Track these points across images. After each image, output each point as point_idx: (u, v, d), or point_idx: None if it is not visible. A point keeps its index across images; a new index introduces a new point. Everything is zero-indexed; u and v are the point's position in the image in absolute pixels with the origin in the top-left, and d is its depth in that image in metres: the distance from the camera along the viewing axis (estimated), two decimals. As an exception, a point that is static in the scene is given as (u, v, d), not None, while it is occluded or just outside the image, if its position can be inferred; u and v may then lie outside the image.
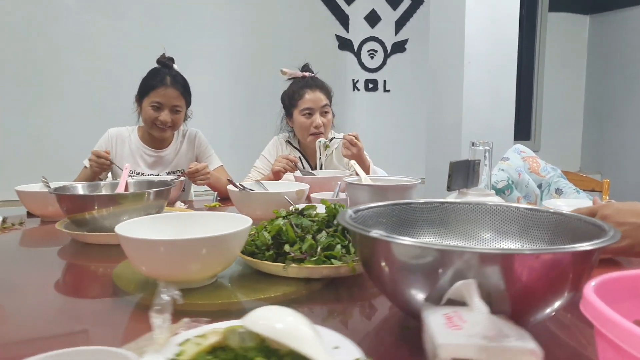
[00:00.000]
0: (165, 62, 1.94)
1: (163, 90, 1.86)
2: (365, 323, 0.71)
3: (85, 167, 1.86)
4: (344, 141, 1.77)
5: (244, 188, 1.30)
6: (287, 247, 0.85)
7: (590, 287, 0.45)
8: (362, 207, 0.76)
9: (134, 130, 2.02)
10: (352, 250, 0.84)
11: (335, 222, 0.91)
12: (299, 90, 1.94)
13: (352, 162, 1.69)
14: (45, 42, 3.17)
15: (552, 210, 0.74)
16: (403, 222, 0.79)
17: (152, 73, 1.92)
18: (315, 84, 1.94)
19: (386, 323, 0.69)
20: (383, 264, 0.60)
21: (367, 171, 1.80)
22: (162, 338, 0.49)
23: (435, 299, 0.54)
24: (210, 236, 0.74)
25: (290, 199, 1.24)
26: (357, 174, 1.52)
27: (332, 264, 0.82)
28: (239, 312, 0.55)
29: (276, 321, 0.48)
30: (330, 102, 1.99)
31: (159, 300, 0.50)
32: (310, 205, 1.00)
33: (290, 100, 1.97)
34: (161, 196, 1.22)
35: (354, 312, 0.75)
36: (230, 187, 1.31)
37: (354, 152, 1.74)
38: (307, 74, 1.97)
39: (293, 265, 0.81)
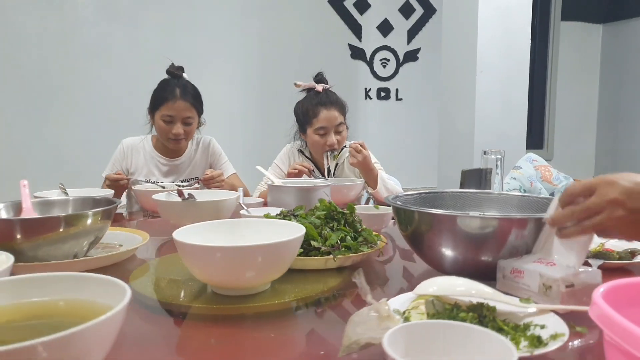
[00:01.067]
0: (174, 72, 1.93)
1: (173, 103, 1.85)
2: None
3: (106, 179, 1.89)
4: (350, 149, 1.76)
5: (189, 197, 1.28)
6: (314, 243, 0.92)
7: (599, 293, 0.46)
8: (398, 195, 1.03)
9: (147, 139, 2.02)
10: (358, 237, 1.00)
11: (342, 216, 1.03)
12: (313, 108, 1.88)
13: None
14: (63, 52, 3.24)
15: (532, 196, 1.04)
16: (432, 205, 1.04)
17: (162, 85, 1.92)
18: (329, 100, 1.89)
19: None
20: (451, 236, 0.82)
21: (375, 180, 1.78)
22: (385, 309, 0.58)
23: (507, 256, 0.80)
24: (267, 243, 0.73)
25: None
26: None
27: (360, 251, 0.96)
28: (300, 309, 0.75)
29: (454, 285, 0.69)
30: (345, 117, 1.95)
31: (362, 285, 0.62)
32: (298, 207, 1.09)
33: (304, 117, 1.93)
34: (98, 221, 0.94)
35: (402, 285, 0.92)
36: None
37: (360, 159, 1.72)
38: (320, 86, 1.93)
39: (340, 255, 0.91)
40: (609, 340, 0.43)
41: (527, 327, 0.60)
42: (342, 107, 1.92)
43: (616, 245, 1.05)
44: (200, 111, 1.97)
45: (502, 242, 0.79)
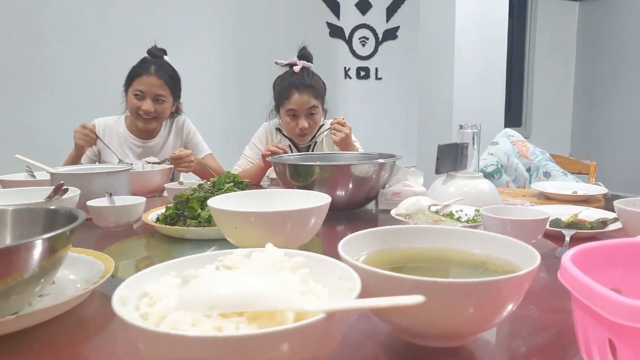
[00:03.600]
0: (155, 53, 1.90)
1: (146, 78, 1.83)
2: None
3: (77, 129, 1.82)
4: (331, 126, 1.74)
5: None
6: None
7: (567, 256, 0.46)
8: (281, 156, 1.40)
9: (120, 120, 1.98)
10: None
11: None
12: (286, 90, 1.83)
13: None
14: (31, 32, 3.12)
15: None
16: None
17: (139, 62, 1.89)
18: (303, 83, 1.82)
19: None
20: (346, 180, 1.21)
21: None
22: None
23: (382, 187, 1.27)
24: (297, 209, 0.78)
25: None
26: None
27: None
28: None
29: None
30: (322, 101, 1.90)
31: None
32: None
33: (278, 97, 1.90)
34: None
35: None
36: None
37: (342, 136, 1.71)
38: (300, 65, 1.85)
39: None
40: (578, 303, 0.43)
41: None
42: (317, 90, 1.85)
43: (589, 215, 1.07)
44: (175, 94, 1.92)
45: (378, 179, 1.25)
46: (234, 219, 0.77)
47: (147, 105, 1.84)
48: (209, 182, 1.13)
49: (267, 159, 1.47)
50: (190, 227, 0.94)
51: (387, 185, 1.32)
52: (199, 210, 0.97)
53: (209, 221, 0.96)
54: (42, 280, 0.58)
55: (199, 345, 0.34)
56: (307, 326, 0.36)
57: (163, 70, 1.86)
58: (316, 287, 0.46)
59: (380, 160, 1.24)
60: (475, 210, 1.06)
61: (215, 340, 0.34)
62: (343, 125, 1.72)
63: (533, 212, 0.89)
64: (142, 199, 1.08)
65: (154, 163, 1.79)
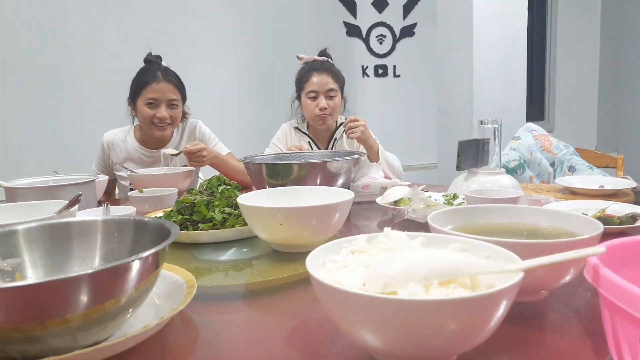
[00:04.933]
0: (152, 60, 1.87)
1: (156, 85, 1.79)
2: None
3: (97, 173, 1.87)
4: (345, 128, 1.75)
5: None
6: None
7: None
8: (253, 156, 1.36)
9: (130, 132, 1.94)
10: None
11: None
12: (306, 74, 1.93)
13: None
14: (53, 42, 3.19)
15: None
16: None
17: (141, 72, 1.86)
18: (323, 67, 1.92)
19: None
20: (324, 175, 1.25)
21: (376, 153, 1.77)
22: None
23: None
24: (322, 204, 0.83)
25: None
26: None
27: None
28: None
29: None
30: (341, 87, 1.97)
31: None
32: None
33: (298, 84, 1.98)
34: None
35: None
36: None
37: (359, 132, 1.72)
38: (321, 58, 1.96)
39: None
40: (606, 302, 0.42)
41: None
42: (336, 75, 1.94)
43: (617, 210, 1.04)
44: (184, 97, 1.90)
45: (349, 174, 1.28)
46: (280, 215, 0.81)
47: (162, 112, 1.81)
48: (194, 189, 1.13)
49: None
50: (210, 231, 0.94)
51: (356, 180, 1.42)
52: (211, 214, 0.97)
53: (222, 224, 0.96)
54: (139, 302, 0.52)
55: (454, 307, 0.40)
56: (517, 283, 0.42)
57: (169, 74, 1.84)
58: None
59: (355, 156, 1.30)
60: (444, 195, 1.23)
61: (465, 301, 0.40)
62: (356, 121, 1.72)
63: (509, 192, 1.04)
64: (133, 209, 1.10)
65: (171, 155, 1.78)
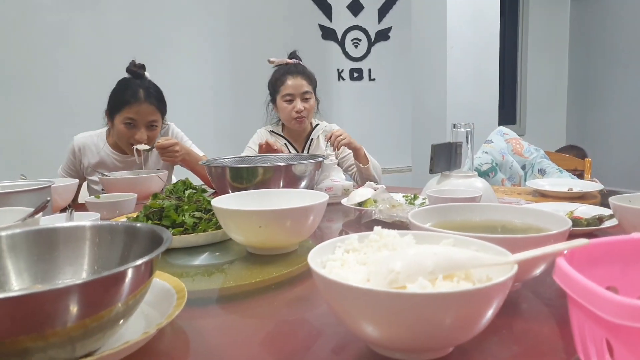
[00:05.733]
0: (136, 72, 1.77)
1: (137, 106, 1.70)
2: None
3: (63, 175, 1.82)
4: (331, 143, 1.78)
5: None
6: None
7: (562, 255, 0.45)
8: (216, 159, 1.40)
9: (102, 136, 1.87)
10: None
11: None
12: (280, 77, 1.96)
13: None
14: (21, 39, 3.10)
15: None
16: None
17: (123, 86, 1.76)
18: (296, 70, 1.96)
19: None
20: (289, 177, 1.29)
21: (364, 156, 1.85)
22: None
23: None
24: (302, 206, 0.83)
25: None
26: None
27: None
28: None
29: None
30: (314, 89, 2.00)
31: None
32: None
33: (273, 87, 2.00)
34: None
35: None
36: None
37: (346, 140, 1.78)
38: (292, 60, 1.98)
39: None
40: (574, 303, 0.42)
41: None
42: (309, 78, 1.98)
43: (585, 212, 1.06)
44: (164, 114, 1.84)
45: (313, 177, 1.32)
46: (259, 218, 0.81)
47: (141, 134, 1.74)
48: (161, 193, 1.11)
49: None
50: (182, 235, 0.92)
51: (319, 183, 1.47)
52: (181, 218, 0.95)
53: (194, 228, 0.95)
54: (134, 310, 0.51)
55: (464, 299, 0.42)
56: (512, 277, 0.45)
57: (151, 94, 1.75)
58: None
59: (319, 159, 1.33)
60: (404, 196, 1.30)
61: (469, 293, 0.42)
62: (339, 135, 1.76)
63: (468, 192, 1.09)
64: (97, 215, 1.07)
65: (144, 150, 1.74)
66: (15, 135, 3.13)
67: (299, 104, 1.92)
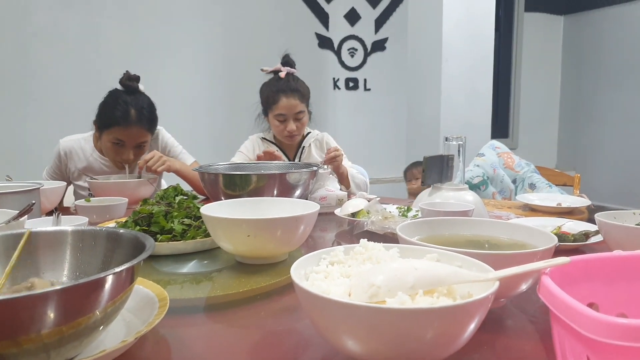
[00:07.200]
0: (130, 86, 1.70)
1: (127, 129, 1.65)
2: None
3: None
4: (328, 160, 1.75)
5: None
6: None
7: (546, 272, 0.45)
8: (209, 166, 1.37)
9: (89, 140, 1.83)
10: None
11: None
12: (274, 95, 1.89)
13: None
14: (11, 39, 3.07)
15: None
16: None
17: (113, 100, 1.68)
18: (290, 88, 1.89)
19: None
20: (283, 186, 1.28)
21: (346, 179, 1.80)
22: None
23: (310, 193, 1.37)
24: (292, 216, 0.82)
25: None
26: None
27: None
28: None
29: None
30: (307, 104, 1.96)
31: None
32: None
33: (266, 102, 1.95)
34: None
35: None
36: None
37: (338, 163, 1.74)
38: (285, 71, 1.92)
39: None
40: (556, 319, 0.43)
41: None
42: (303, 94, 1.92)
43: (572, 228, 1.07)
44: (154, 130, 1.79)
45: (307, 186, 1.32)
46: (248, 226, 0.80)
47: (128, 154, 1.71)
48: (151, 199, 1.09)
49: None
50: (170, 242, 0.92)
51: (313, 192, 1.45)
52: (170, 225, 0.95)
53: (182, 235, 0.94)
54: (113, 317, 0.50)
55: (442, 315, 0.42)
56: (493, 293, 0.45)
57: (143, 116, 1.69)
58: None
59: (313, 168, 1.32)
60: (397, 207, 1.29)
61: (448, 309, 0.42)
62: (336, 156, 1.73)
63: (461, 205, 1.09)
64: (85, 219, 1.05)
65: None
66: (1, 136, 3.10)
67: (291, 125, 1.89)
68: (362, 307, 0.42)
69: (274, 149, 1.98)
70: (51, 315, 0.42)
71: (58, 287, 0.42)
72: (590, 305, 0.48)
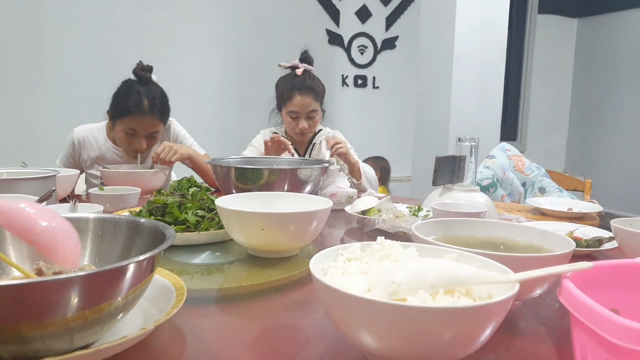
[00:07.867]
0: (143, 76, 1.73)
1: (139, 118, 1.68)
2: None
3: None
4: (330, 147, 1.75)
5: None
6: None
7: (567, 276, 0.45)
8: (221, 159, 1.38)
9: (102, 130, 1.85)
10: None
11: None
12: (288, 92, 1.89)
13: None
14: (26, 27, 3.09)
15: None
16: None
17: (126, 90, 1.71)
18: (305, 85, 1.89)
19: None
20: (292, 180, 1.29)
21: (358, 172, 1.80)
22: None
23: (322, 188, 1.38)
24: (306, 211, 0.83)
25: None
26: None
27: None
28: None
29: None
30: (321, 103, 1.96)
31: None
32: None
33: (281, 97, 1.96)
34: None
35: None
36: None
37: (344, 149, 1.74)
38: (302, 68, 1.91)
39: None
40: (577, 323, 0.43)
41: None
42: (317, 93, 1.92)
43: (584, 233, 1.07)
44: (166, 120, 1.82)
45: (318, 182, 1.33)
46: (263, 220, 0.80)
47: (141, 144, 1.74)
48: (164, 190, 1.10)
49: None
50: (185, 233, 0.92)
51: (323, 188, 1.45)
52: (184, 216, 0.95)
53: (196, 226, 0.95)
54: (133, 305, 0.51)
55: (465, 314, 0.42)
56: (514, 295, 0.45)
57: (155, 105, 1.71)
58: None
59: (324, 164, 1.34)
60: (408, 207, 1.30)
61: (471, 309, 0.42)
62: (338, 143, 1.73)
63: (473, 207, 1.08)
64: (100, 207, 1.06)
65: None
66: (16, 123, 3.12)
67: (303, 123, 1.89)
68: (385, 304, 0.42)
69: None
70: (76, 299, 0.43)
71: (84, 273, 0.42)
72: (611, 310, 0.48)
